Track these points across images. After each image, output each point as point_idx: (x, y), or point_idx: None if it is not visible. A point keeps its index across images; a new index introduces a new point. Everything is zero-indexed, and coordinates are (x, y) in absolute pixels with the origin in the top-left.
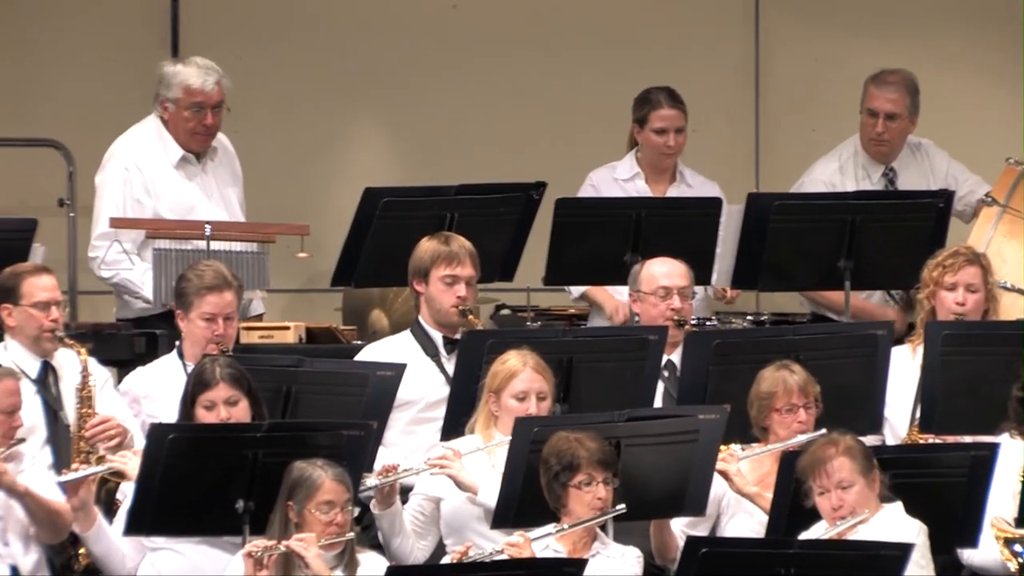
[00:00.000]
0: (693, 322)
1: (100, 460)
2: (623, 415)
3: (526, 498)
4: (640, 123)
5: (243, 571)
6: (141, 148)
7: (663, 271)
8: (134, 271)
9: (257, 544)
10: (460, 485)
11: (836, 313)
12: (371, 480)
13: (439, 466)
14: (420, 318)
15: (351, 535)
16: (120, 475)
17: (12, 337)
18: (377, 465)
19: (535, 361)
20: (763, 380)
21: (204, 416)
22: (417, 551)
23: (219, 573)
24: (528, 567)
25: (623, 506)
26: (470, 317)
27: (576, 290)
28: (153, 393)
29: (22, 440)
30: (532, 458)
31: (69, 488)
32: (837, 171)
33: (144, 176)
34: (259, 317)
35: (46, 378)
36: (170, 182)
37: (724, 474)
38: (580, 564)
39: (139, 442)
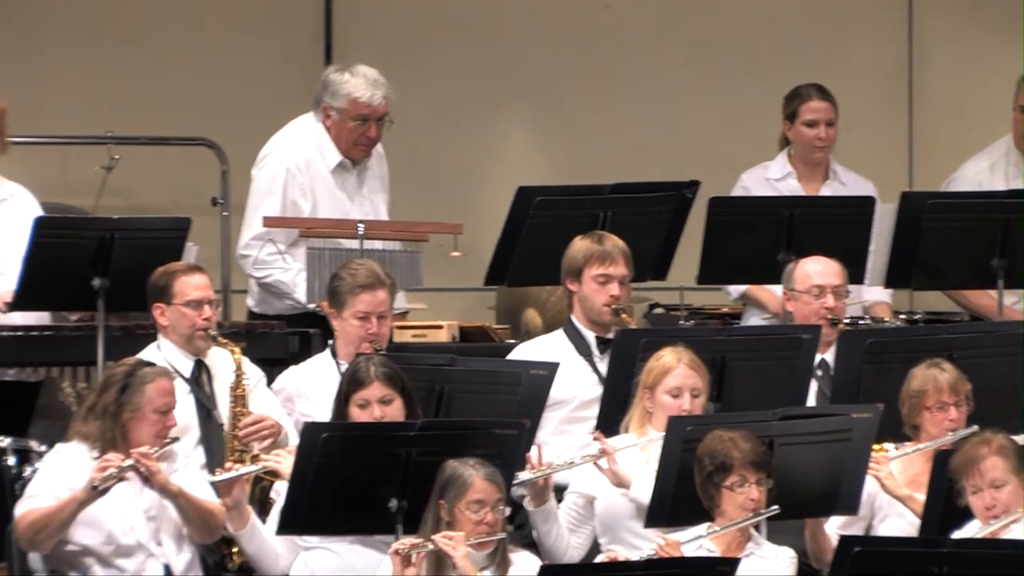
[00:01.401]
0: (846, 321)
1: (254, 459)
2: (776, 414)
3: (679, 496)
4: (791, 118)
5: (391, 569)
6: (301, 149)
7: (817, 270)
8: (288, 272)
9: (404, 542)
10: (614, 479)
11: (979, 315)
12: (523, 474)
13: (595, 461)
14: (573, 317)
15: (501, 535)
16: (274, 474)
17: (165, 337)
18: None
19: (689, 357)
20: (914, 378)
21: (358, 415)
22: (572, 549)
23: (372, 572)
24: (681, 566)
25: (776, 507)
26: (623, 316)
27: (735, 289)
28: (307, 392)
29: (175, 439)
30: (686, 456)
31: (223, 487)
32: (987, 169)
33: (304, 178)
34: (403, 315)
35: (200, 377)
36: (327, 187)
37: (875, 477)
38: (733, 563)
39: (292, 440)
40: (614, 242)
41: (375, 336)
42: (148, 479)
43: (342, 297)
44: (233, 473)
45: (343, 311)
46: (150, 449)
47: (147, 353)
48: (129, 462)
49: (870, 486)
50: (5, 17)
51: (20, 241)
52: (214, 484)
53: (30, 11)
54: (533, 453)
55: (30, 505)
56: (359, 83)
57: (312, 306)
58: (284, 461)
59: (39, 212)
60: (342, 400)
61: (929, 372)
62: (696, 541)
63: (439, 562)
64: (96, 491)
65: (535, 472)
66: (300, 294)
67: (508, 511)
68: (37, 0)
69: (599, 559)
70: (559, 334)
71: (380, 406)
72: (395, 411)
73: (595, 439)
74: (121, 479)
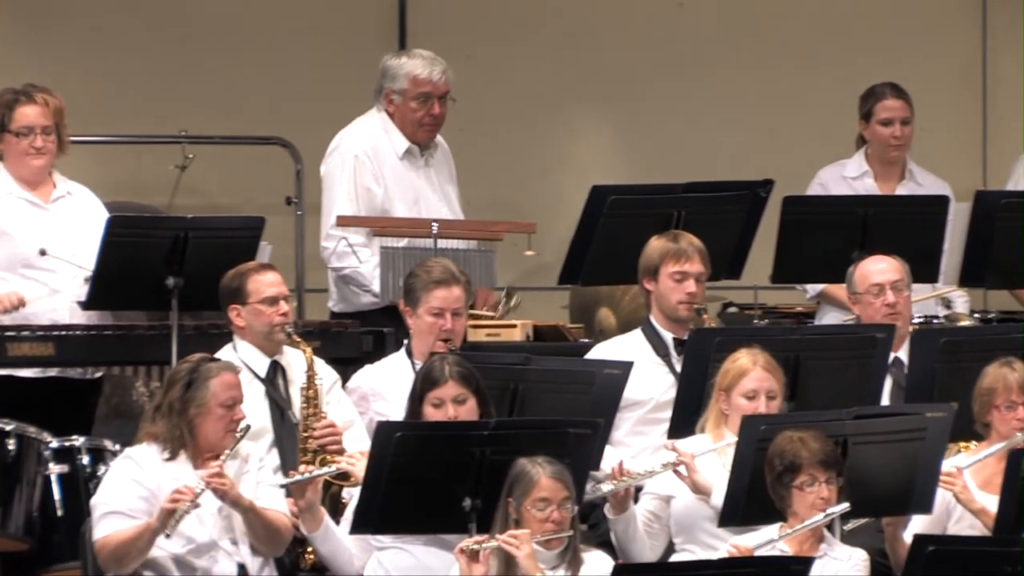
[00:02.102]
0: (920, 320)
1: (325, 462)
2: (850, 413)
3: (753, 496)
4: (866, 118)
5: (457, 568)
6: (368, 137)
7: (874, 268)
8: (364, 266)
9: (469, 540)
10: (694, 487)
11: None
12: (606, 486)
13: (675, 464)
14: (651, 317)
15: (569, 532)
16: (346, 477)
17: (242, 338)
18: (609, 467)
19: (765, 360)
20: (985, 377)
21: (432, 414)
22: (648, 551)
23: (446, 572)
24: (755, 565)
25: (846, 504)
26: (704, 316)
27: (812, 288)
28: (381, 391)
29: (247, 428)
30: (759, 456)
31: (295, 490)
32: None
33: (373, 164)
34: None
35: (275, 378)
36: (397, 172)
37: (951, 492)
38: (807, 562)
39: (366, 440)
40: (690, 240)
41: (450, 333)
42: (222, 497)
43: (416, 294)
44: (306, 476)
45: (418, 308)
46: (219, 459)
47: (223, 354)
48: (201, 487)
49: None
50: (81, 17)
51: (78, 238)
52: (287, 486)
53: (105, 10)
54: (611, 460)
55: (108, 529)
56: (417, 62)
57: (390, 301)
58: (357, 464)
59: (100, 209)
60: (416, 399)
61: (1000, 371)
62: (769, 544)
63: (508, 560)
64: (170, 529)
65: (616, 483)
66: (377, 286)
67: (577, 509)
68: (112, 1)
69: (674, 559)
70: (636, 334)
71: (454, 405)
72: (469, 411)
73: (670, 449)
74: (196, 506)
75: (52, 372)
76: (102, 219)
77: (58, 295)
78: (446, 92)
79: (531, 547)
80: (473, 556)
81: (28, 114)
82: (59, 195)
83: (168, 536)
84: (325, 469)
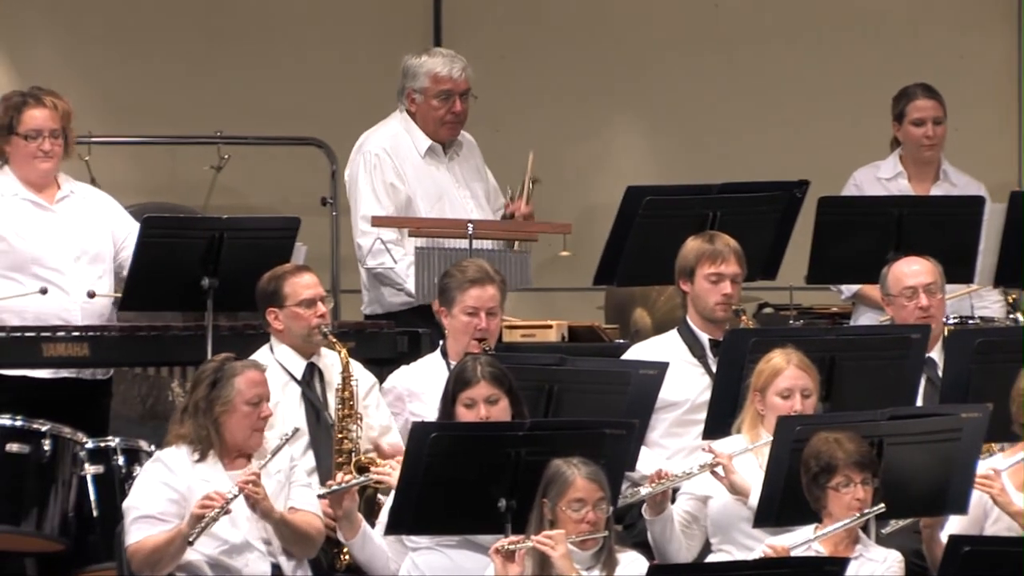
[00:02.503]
0: (955, 320)
1: (360, 463)
2: (885, 414)
3: (788, 496)
4: (899, 119)
5: (493, 569)
6: (388, 136)
7: (907, 270)
8: (399, 262)
9: (504, 540)
10: (732, 488)
11: None
12: (644, 490)
13: (713, 466)
14: (687, 318)
15: (604, 533)
16: (381, 482)
17: (280, 340)
18: (644, 468)
19: (799, 358)
20: (1022, 377)
21: (464, 414)
22: (684, 551)
23: (480, 573)
24: (790, 565)
25: (882, 506)
26: (743, 317)
27: (848, 289)
28: (417, 392)
29: (295, 431)
30: (795, 456)
31: (332, 499)
32: None
33: (394, 161)
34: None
35: (311, 379)
36: (419, 168)
37: (988, 495)
38: (842, 563)
39: (402, 445)
40: (725, 241)
41: (484, 332)
42: (253, 506)
43: (451, 294)
44: (343, 486)
45: (452, 308)
46: (262, 462)
47: (259, 355)
48: (233, 493)
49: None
50: (117, 18)
51: (84, 236)
52: (323, 496)
53: (140, 12)
54: (647, 461)
55: (140, 534)
56: (437, 61)
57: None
58: (394, 473)
59: (107, 204)
60: (449, 399)
61: None
62: (805, 544)
63: (543, 561)
64: (194, 536)
65: (654, 486)
66: (411, 285)
67: (612, 509)
68: (147, 1)
69: (711, 559)
70: (673, 335)
71: (486, 406)
72: (501, 411)
73: (706, 451)
74: (226, 512)
75: (64, 373)
76: (110, 213)
77: (68, 296)
78: (467, 89)
79: (566, 547)
80: (508, 556)
81: (36, 117)
82: (63, 195)
83: (191, 543)
84: (361, 479)
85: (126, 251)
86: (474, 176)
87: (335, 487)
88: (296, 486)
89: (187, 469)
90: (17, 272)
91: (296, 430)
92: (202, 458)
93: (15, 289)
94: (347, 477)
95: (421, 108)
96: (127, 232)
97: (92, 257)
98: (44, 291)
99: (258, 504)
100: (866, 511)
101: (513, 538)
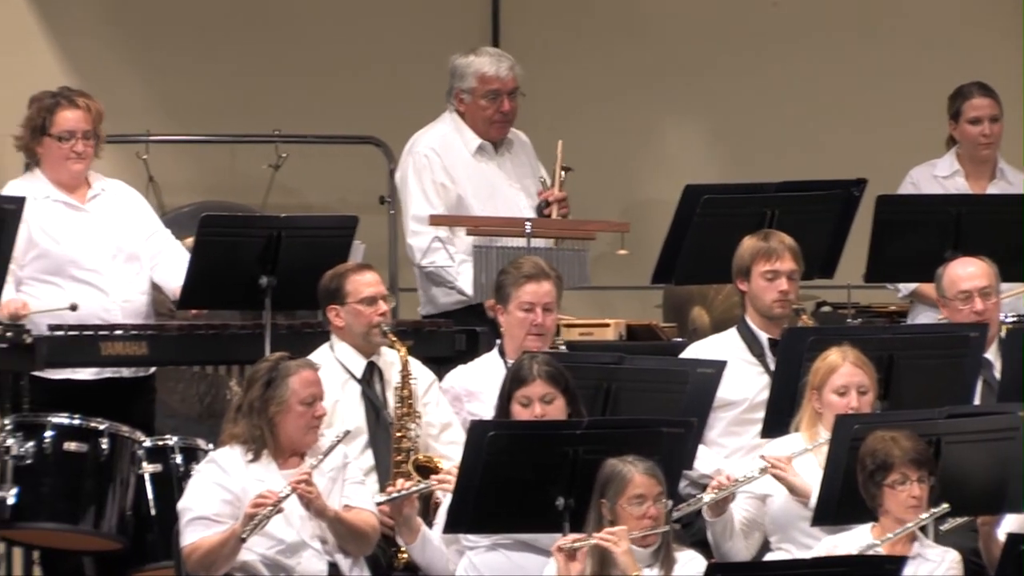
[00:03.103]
0: (1013, 319)
1: (417, 463)
2: (943, 412)
3: (847, 494)
4: (955, 117)
5: (555, 568)
6: (437, 136)
7: (963, 273)
8: (451, 261)
9: (567, 538)
10: (793, 490)
11: None
12: (706, 497)
13: (773, 473)
14: (747, 317)
15: (666, 528)
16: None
17: (340, 338)
18: (703, 467)
19: (855, 355)
20: None
21: (519, 412)
22: (743, 550)
23: (537, 572)
24: (847, 564)
25: (946, 506)
26: (803, 317)
27: (906, 287)
28: (475, 391)
29: (347, 433)
30: (853, 455)
31: (392, 507)
32: None
33: (443, 160)
34: None
35: (371, 378)
36: (469, 167)
37: None
38: (900, 562)
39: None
40: (780, 238)
41: (541, 328)
42: (307, 505)
43: (507, 290)
44: (402, 493)
45: (508, 304)
46: (315, 461)
47: (319, 353)
48: (286, 491)
49: None
50: (175, 18)
51: (117, 233)
52: (382, 504)
53: (199, 11)
54: (705, 460)
55: (195, 535)
56: (484, 60)
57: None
58: (453, 480)
59: (136, 199)
60: (505, 398)
61: None
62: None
63: (603, 559)
64: (247, 534)
65: (715, 494)
66: (464, 284)
67: (671, 504)
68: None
69: (768, 557)
70: (732, 333)
71: (541, 404)
72: (557, 410)
73: (765, 460)
74: (279, 511)
75: (107, 373)
76: (140, 208)
77: (107, 296)
78: (515, 88)
79: (628, 543)
80: (571, 555)
81: (69, 118)
82: (94, 194)
83: (244, 540)
84: (419, 486)
85: (159, 250)
86: (526, 172)
87: (394, 495)
88: (350, 484)
89: (241, 469)
90: (55, 276)
91: (347, 432)
92: (256, 458)
93: (54, 293)
94: (407, 484)
95: (470, 108)
96: (154, 227)
97: (128, 255)
98: (74, 307)
99: (311, 503)
100: (933, 511)
101: (574, 536)
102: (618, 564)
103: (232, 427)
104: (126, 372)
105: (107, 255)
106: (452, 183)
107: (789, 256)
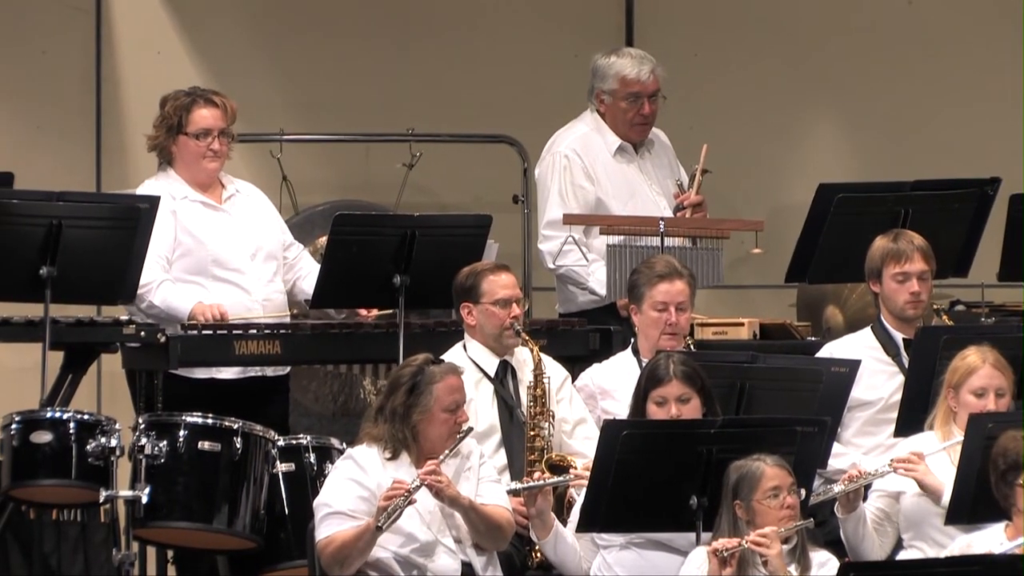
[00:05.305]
0: None
1: (551, 462)
2: None
3: (981, 493)
4: None
5: (707, 569)
6: (578, 137)
7: None
8: (582, 262)
9: (723, 543)
10: (924, 487)
11: None
12: (837, 487)
13: (904, 469)
14: (881, 317)
15: (809, 521)
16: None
17: (473, 337)
18: (838, 465)
19: (995, 357)
20: None
21: (655, 412)
22: (877, 548)
23: (672, 572)
24: (983, 563)
25: None
26: (944, 316)
27: None
28: (609, 389)
29: (470, 429)
30: (987, 454)
31: (527, 497)
32: None
33: (583, 162)
34: None
35: (504, 377)
36: (610, 168)
37: None
38: None
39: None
40: (909, 239)
41: (675, 327)
42: (438, 494)
43: (640, 290)
44: (539, 483)
45: (642, 304)
46: (440, 456)
47: (453, 352)
48: (416, 483)
49: None
50: (308, 16)
51: (255, 233)
52: (518, 492)
53: (333, 9)
54: (840, 459)
55: (329, 530)
56: (625, 62)
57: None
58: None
59: (267, 202)
60: (640, 397)
61: None
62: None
63: (742, 561)
64: (384, 523)
65: (847, 484)
66: (595, 284)
67: (804, 493)
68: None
69: (901, 555)
70: (867, 333)
71: (677, 404)
72: (692, 410)
73: (895, 464)
74: (411, 502)
75: (251, 372)
76: (272, 209)
77: (249, 295)
78: (656, 90)
79: (780, 546)
80: (724, 560)
81: (206, 116)
82: (229, 194)
83: (380, 529)
84: (556, 479)
85: (299, 263)
86: (666, 173)
87: (530, 484)
88: (486, 482)
89: (378, 468)
90: (198, 275)
91: (471, 428)
92: (393, 456)
93: (197, 293)
94: (544, 475)
95: (610, 109)
96: (288, 236)
97: (267, 254)
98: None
99: (443, 492)
100: None
101: (724, 541)
102: (771, 566)
103: (371, 427)
104: (269, 371)
105: (247, 254)
106: (592, 185)
107: (919, 256)
